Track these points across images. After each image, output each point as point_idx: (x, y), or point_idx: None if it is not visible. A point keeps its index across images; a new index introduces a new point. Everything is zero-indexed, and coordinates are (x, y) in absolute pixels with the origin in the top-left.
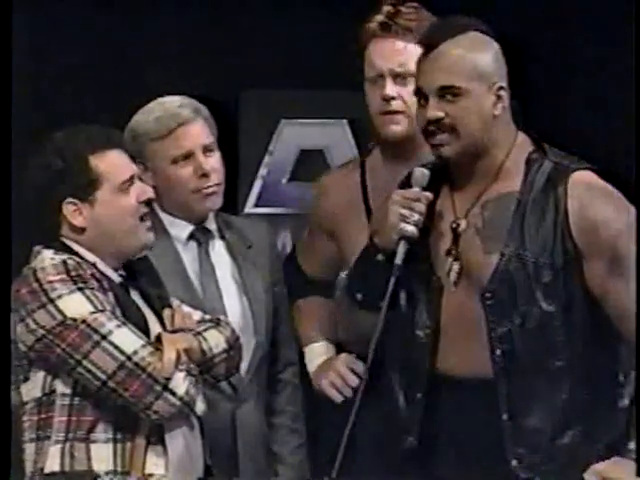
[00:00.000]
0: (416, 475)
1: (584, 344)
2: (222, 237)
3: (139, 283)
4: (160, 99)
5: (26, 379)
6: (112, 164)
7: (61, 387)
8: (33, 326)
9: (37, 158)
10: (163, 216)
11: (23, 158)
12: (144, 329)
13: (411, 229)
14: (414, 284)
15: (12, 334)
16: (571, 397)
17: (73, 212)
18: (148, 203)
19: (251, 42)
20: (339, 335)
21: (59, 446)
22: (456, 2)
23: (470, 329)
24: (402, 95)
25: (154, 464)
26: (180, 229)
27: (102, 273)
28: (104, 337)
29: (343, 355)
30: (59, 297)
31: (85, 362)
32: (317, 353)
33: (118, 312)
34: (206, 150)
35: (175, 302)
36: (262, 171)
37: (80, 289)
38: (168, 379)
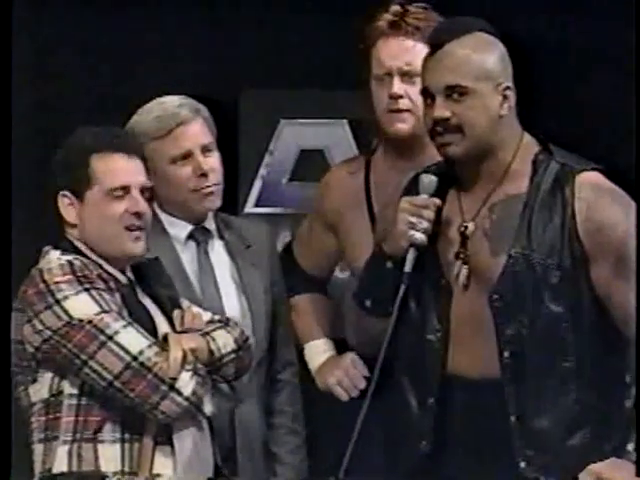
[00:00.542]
0: (430, 478)
1: (592, 345)
2: (221, 237)
3: (149, 284)
4: (159, 99)
5: (34, 380)
6: (108, 168)
7: (68, 388)
8: (40, 327)
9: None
10: (162, 216)
11: (23, 158)
12: (151, 329)
13: (420, 236)
14: (423, 288)
15: (16, 334)
16: (579, 398)
17: (67, 206)
18: (140, 216)
19: (251, 42)
20: (347, 339)
21: (67, 447)
22: (461, 3)
23: (480, 331)
24: (409, 94)
25: (162, 464)
26: (179, 229)
27: (109, 273)
28: (110, 337)
29: (350, 354)
30: (65, 298)
31: (91, 362)
32: (318, 350)
33: (125, 313)
34: (205, 150)
35: (185, 303)
36: (262, 171)
37: (86, 290)
38: (174, 379)
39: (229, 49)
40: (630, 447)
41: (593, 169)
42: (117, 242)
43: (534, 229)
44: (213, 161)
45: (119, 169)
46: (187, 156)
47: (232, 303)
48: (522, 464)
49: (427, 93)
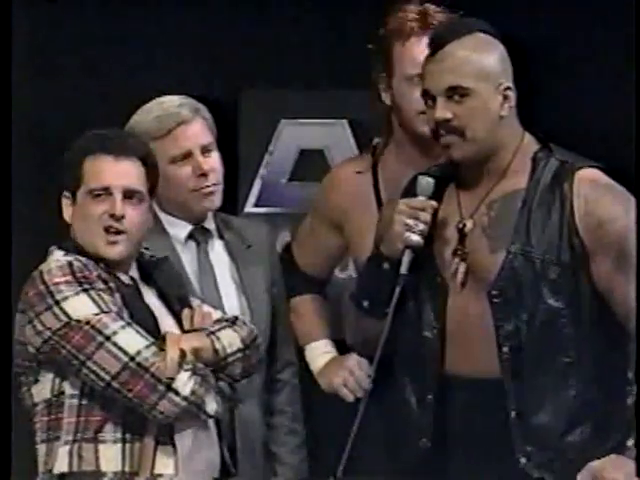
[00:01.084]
0: (429, 475)
1: (592, 340)
2: (221, 237)
3: (157, 283)
4: (159, 99)
5: (36, 381)
6: (93, 169)
7: (69, 388)
8: (40, 328)
9: None
10: (162, 216)
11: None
12: (153, 330)
13: (416, 238)
14: (421, 285)
15: (19, 335)
16: (579, 394)
17: (66, 206)
18: (118, 219)
19: (251, 42)
20: (346, 338)
21: (68, 447)
22: (463, 3)
23: (477, 328)
24: None
25: (163, 464)
26: (179, 229)
27: (110, 274)
28: (108, 338)
29: (354, 355)
30: (64, 299)
31: (89, 363)
32: (320, 352)
33: (124, 313)
34: (205, 150)
35: (195, 302)
36: (262, 171)
37: (85, 290)
38: (172, 379)
39: (229, 49)
40: (630, 443)
41: (592, 166)
42: (94, 243)
43: (533, 225)
44: (213, 161)
45: (103, 171)
46: (187, 156)
47: (232, 303)
48: (522, 460)
49: (428, 95)
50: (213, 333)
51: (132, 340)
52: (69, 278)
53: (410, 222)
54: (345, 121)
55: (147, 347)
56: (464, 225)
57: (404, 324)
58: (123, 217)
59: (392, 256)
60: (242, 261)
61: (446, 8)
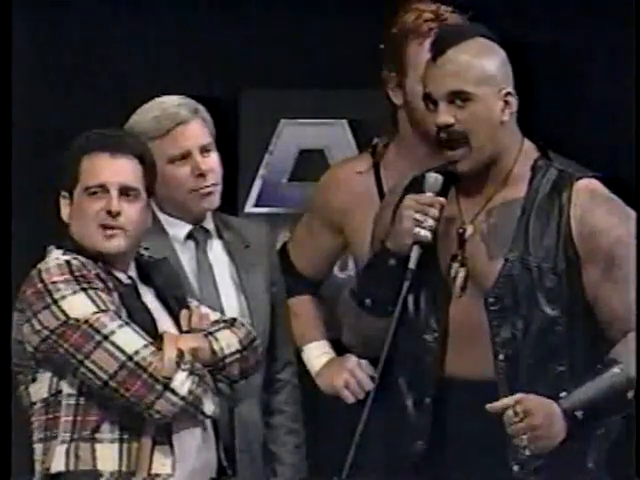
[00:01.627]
0: (426, 478)
1: (586, 349)
2: (220, 237)
3: (155, 284)
4: (158, 99)
5: (34, 380)
6: (90, 167)
7: (67, 387)
8: (38, 327)
9: None
10: (161, 216)
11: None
12: (151, 330)
13: (425, 234)
14: (421, 288)
15: (16, 334)
16: None
17: (64, 205)
18: (115, 216)
19: (251, 42)
20: (343, 339)
21: (65, 446)
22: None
23: (476, 333)
24: None
25: (161, 464)
26: (178, 229)
27: (108, 273)
28: (106, 337)
29: (353, 356)
30: (62, 298)
31: (87, 362)
32: (318, 353)
33: (123, 312)
34: (203, 150)
35: (194, 303)
36: (262, 171)
37: (83, 289)
38: (169, 379)
39: (229, 49)
40: (563, 394)
41: (591, 176)
42: (92, 240)
43: (531, 233)
44: (212, 161)
45: (99, 168)
46: (185, 156)
47: (231, 303)
48: (515, 467)
49: (430, 99)
50: (211, 334)
51: (130, 339)
52: (67, 277)
53: (419, 217)
54: (345, 121)
55: (145, 347)
56: (464, 230)
57: (404, 326)
58: (119, 214)
59: (399, 252)
60: (241, 261)
61: (456, 8)
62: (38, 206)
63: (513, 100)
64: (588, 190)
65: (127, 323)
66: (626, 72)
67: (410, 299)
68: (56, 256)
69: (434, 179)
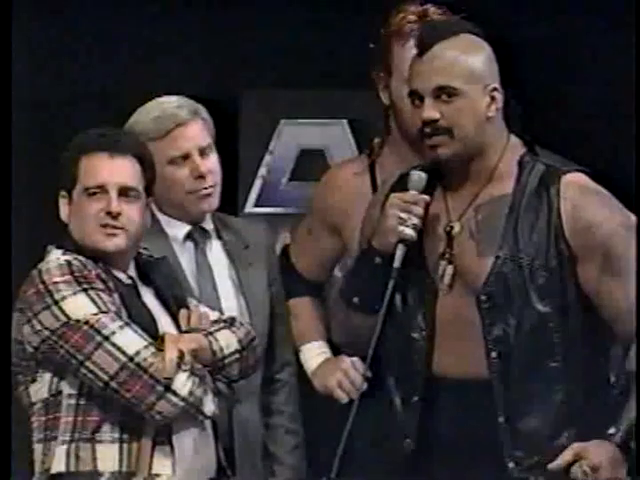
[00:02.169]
0: (414, 477)
1: (578, 345)
2: (219, 237)
3: (155, 284)
4: (158, 99)
5: (34, 380)
6: (89, 167)
7: (67, 388)
8: (38, 327)
9: None
10: (160, 216)
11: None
12: (151, 330)
13: (410, 232)
14: (409, 287)
15: (16, 334)
16: (566, 398)
17: (63, 205)
18: (115, 216)
19: (251, 42)
20: (333, 337)
21: (65, 447)
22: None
23: (465, 331)
24: None
25: (161, 465)
26: (177, 229)
27: (109, 273)
28: (107, 338)
29: (347, 357)
30: (63, 298)
31: (88, 363)
32: (314, 353)
33: (124, 313)
34: (203, 152)
35: (193, 303)
36: (262, 171)
37: (84, 290)
38: (170, 379)
39: (229, 49)
40: (612, 430)
41: (578, 170)
42: (92, 239)
43: (520, 230)
44: (211, 163)
45: (98, 168)
46: (185, 158)
47: (230, 303)
48: (510, 464)
49: (416, 95)
50: (211, 334)
51: (131, 340)
52: (68, 277)
53: (403, 216)
54: (345, 121)
55: (146, 347)
56: (452, 228)
57: (392, 325)
58: (119, 214)
59: (385, 250)
60: (240, 261)
61: (448, 9)
62: (38, 206)
63: (499, 96)
64: (577, 184)
65: (128, 324)
66: (624, 69)
67: (398, 297)
68: (56, 256)
69: (418, 177)
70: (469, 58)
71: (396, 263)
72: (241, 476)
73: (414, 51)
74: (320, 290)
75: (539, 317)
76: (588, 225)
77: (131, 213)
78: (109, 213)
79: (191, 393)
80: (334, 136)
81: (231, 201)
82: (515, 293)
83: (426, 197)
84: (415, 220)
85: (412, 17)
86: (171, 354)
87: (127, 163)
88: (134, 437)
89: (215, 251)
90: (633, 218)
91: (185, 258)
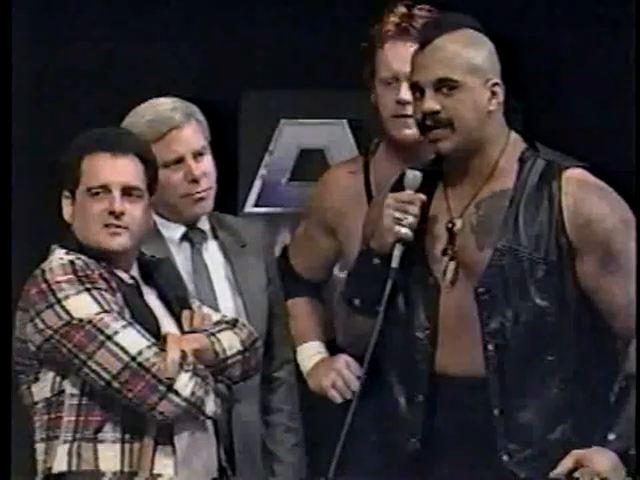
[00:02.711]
0: (419, 476)
1: (576, 339)
2: (215, 237)
3: (157, 284)
4: (153, 100)
5: (36, 379)
6: (91, 167)
7: (70, 387)
8: (41, 326)
9: None
10: (156, 218)
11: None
12: (154, 330)
13: (406, 231)
14: (411, 285)
15: (19, 333)
16: (562, 392)
17: (66, 205)
18: (118, 216)
19: (251, 42)
20: (337, 338)
21: (67, 446)
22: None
23: (467, 328)
24: None
25: (163, 464)
26: (173, 230)
27: (112, 273)
28: (109, 337)
29: (343, 356)
30: (66, 297)
31: (90, 362)
32: (311, 353)
33: (126, 313)
34: (197, 155)
35: (195, 303)
36: (262, 171)
37: (87, 289)
38: (172, 380)
39: (229, 49)
40: (611, 437)
41: (579, 166)
42: (96, 238)
43: (520, 224)
44: (205, 166)
45: (101, 168)
46: (179, 161)
47: (227, 303)
48: (504, 457)
49: (416, 87)
50: (213, 334)
51: (133, 340)
52: (71, 277)
53: (399, 215)
54: (345, 121)
55: (148, 347)
56: (453, 224)
57: (395, 324)
58: (123, 214)
59: (382, 251)
60: (237, 261)
61: (440, 10)
62: (39, 206)
63: (500, 91)
64: (578, 179)
65: (130, 323)
66: (624, 69)
67: (400, 297)
68: (60, 256)
69: (412, 176)
70: (471, 51)
71: (394, 263)
72: (241, 476)
73: (389, 53)
74: (319, 290)
75: (537, 310)
76: (589, 220)
77: (134, 212)
78: (112, 213)
79: (193, 393)
80: (334, 136)
81: (231, 201)
82: (513, 286)
83: (422, 196)
84: (411, 219)
85: (393, 19)
86: (173, 354)
87: (129, 162)
88: (136, 437)
89: (212, 251)
90: (634, 214)
91: (181, 259)
